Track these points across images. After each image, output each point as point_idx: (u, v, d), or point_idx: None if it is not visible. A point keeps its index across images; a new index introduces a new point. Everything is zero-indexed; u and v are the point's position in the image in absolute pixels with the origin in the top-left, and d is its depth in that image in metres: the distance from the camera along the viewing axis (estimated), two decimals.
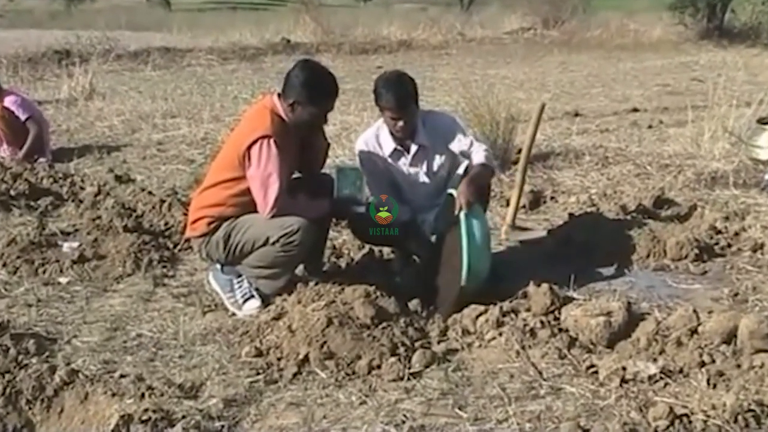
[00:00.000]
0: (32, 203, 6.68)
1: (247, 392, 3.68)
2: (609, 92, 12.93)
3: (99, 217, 6.02)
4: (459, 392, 3.66)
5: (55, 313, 4.64)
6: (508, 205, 5.88)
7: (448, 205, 4.63)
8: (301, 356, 3.89)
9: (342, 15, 23.46)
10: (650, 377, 3.63)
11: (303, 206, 4.51)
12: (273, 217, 4.39)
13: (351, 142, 7.76)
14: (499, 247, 5.55)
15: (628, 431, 3.14)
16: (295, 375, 3.81)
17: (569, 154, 8.11)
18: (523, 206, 6.24)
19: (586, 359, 3.86)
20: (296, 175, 4.75)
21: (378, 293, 4.29)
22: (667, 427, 3.17)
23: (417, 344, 4.03)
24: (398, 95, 4.68)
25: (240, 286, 4.61)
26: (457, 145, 4.83)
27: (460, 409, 3.50)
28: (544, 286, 4.35)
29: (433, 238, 5.00)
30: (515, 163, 6.82)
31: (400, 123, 4.74)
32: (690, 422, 3.18)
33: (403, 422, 3.39)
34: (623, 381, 3.63)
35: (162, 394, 3.61)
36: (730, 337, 3.84)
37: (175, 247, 5.64)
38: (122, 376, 3.80)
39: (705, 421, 3.18)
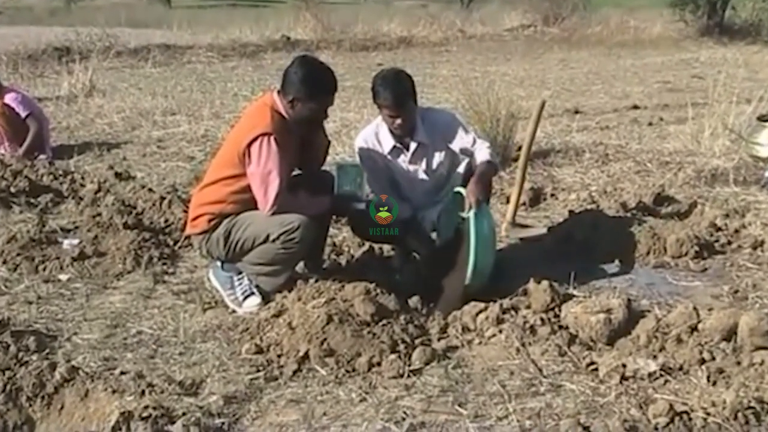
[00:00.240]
0: (32, 200, 6.69)
1: (247, 389, 3.69)
2: (609, 89, 12.93)
3: (99, 214, 6.02)
4: (459, 389, 3.66)
5: (55, 310, 4.64)
6: (508, 202, 5.89)
7: (455, 203, 4.63)
8: (301, 353, 3.90)
9: (342, 12, 23.45)
10: (650, 374, 3.63)
11: (303, 203, 4.51)
12: (273, 214, 4.39)
13: (351, 139, 7.75)
14: (499, 244, 5.54)
15: (628, 428, 3.14)
16: (295, 372, 3.82)
17: (569, 151, 8.12)
18: (524, 203, 6.25)
19: (586, 356, 3.86)
20: (296, 172, 4.74)
21: (378, 290, 4.29)
22: (667, 424, 3.17)
23: (417, 341, 4.03)
24: (396, 93, 4.68)
25: (240, 283, 4.61)
26: (459, 142, 4.83)
27: (460, 406, 3.50)
28: (544, 283, 4.35)
29: (434, 235, 5.00)
30: (515, 160, 6.82)
31: (399, 121, 4.73)
32: (690, 419, 3.18)
33: (403, 419, 3.40)
34: (623, 378, 3.63)
35: (162, 391, 3.62)
36: (730, 335, 3.84)
37: (175, 244, 5.64)
38: (122, 373, 3.80)
39: (705, 419, 3.18)
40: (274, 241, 4.39)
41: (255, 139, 4.34)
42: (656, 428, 3.16)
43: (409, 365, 3.83)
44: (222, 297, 4.67)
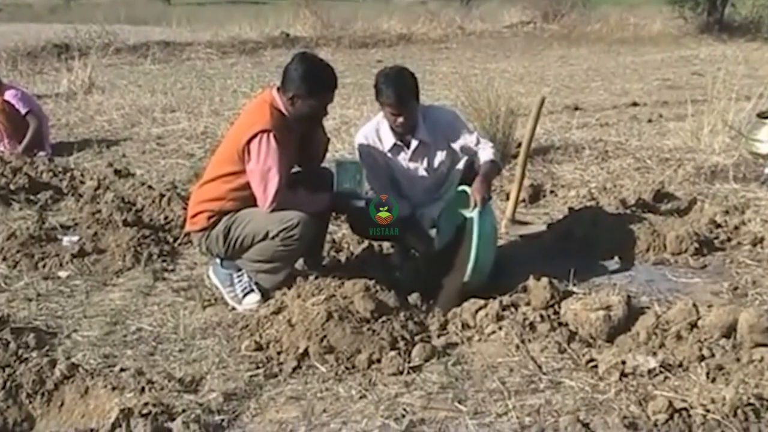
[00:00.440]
0: (32, 197, 6.69)
1: (247, 386, 3.69)
2: (609, 86, 12.93)
3: (99, 211, 6.02)
4: (459, 386, 3.66)
5: (55, 307, 4.64)
6: (507, 199, 5.89)
7: (458, 201, 4.63)
8: (300, 350, 3.90)
9: (341, 9, 23.42)
10: (650, 371, 3.63)
11: (303, 200, 4.51)
12: (273, 211, 4.39)
13: (351, 136, 7.75)
14: (498, 241, 5.54)
15: (627, 425, 3.15)
16: (294, 369, 3.82)
17: (569, 148, 8.12)
18: (523, 200, 6.25)
19: (586, 353, 3.86)
20: (296, 169, 4.74)
21: (378, 287, 4.29)
22: (667, 420, 3.17)
23: (417, 338, 4.03)
24: (398, 91, 4.67)
25: (240, 281, 4.61)
26: (462, 141, 4.83)
27: (459, 402, 3.50)
28: (544, 280, 4.35)
29: (433, 233, 5.00)
30: (515, 157, 6.82)
31: (400, 119, 4.73)
32: (689, 416, 3.18)
33: (403, 416, 3.40)
34: (623, 375, 3.63)
35: (162, 388, 3.62)
36: (730, 331, 3.84)
37: (174, 241, 5.64)
38: (122, 370, 3.81)
39: (704, 415, 3.18)
40: (273, 238, 4.39)
41: (254, 136, 4.34)
42: (656, 425, 3.16)
43: (409, 362, 3.83)
44: (222, 294, 4.67)
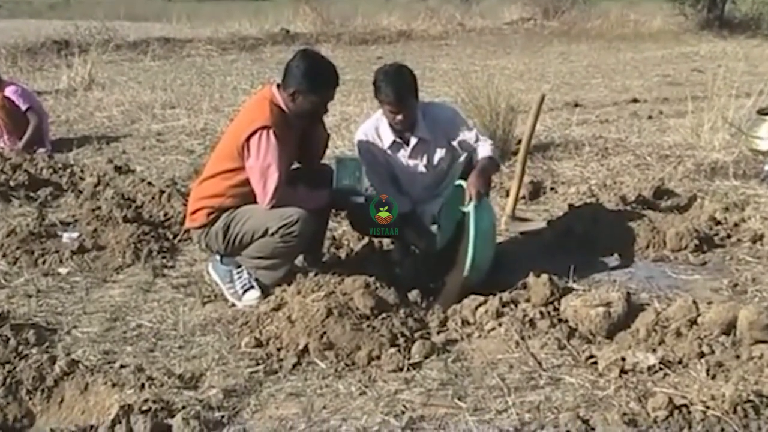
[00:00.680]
0: (32, 194, 6.69)
1: (246, 383, 3.69)
2: (609, 83, 12.92)
3: (98, 208, 6.02)
4: (458, 383, 3.66)
5: (54, 303, 4.64)
6: (507, 195, 5.89)
7: (456, 196, 4.63)
8: (300, 347, 3.90)
9: (341, 5, 23.41)
10: (649, 368, 3.63)
11: (302, 197, 4.51)
12: (272, 207, 4.39)
13: (350, 133, 7.75)
14: (498, 238, 5.54)
15: (627, 421, 3.15)
16: (294, 365, 3.82)
17: (569, 144, 8.11)
18: (523, 197, 6.25)
19: (586, 350, 3.87)
20: (295, 165, 4.74)
21: (377, 284, 4.29)
22: (666, 417, 3.17)
23: (416, 335, 4.03)
24: (397, 89, 4.67)
25: (239, 277, 4.61)
26: (461, 138, 4.83)
27: (459, 399, 3.50)
28: (544, 276, 4.35)
29: (434, 229, 5.00)
30: (515, 153, 6.82)
31: (400, 116, 4.73)
32: (689, 413, 3.18)
33: (403, 413, 3.40)
34: (622, 371, 3.63)
35: (162, 385, 3.62)
36: (730, 328, 3.84)
37: (174, 237, 5.64)
38: (122, 366, 3.81)
39: (704, 412, 3.18)
40: (273, 234, 4.39)
41: (254, 133, 4.34)
42: (655, 421, 3.16)
43: (409, 359, 3.83)
44: (221, 290, 4.67)
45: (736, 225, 5.55)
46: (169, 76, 13.96)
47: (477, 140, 4.80)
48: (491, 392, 3.56)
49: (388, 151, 4.92)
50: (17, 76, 12.72)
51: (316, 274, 4.50)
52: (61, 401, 3.55)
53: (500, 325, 4.10)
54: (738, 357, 3.66)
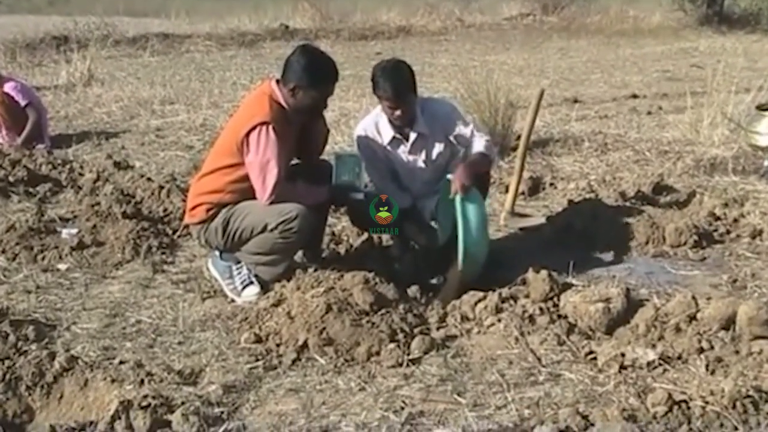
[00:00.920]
0: (31, 190, 6.68)
1: (246, 378, 3.69)
2: (608, 78, 12.90)
3: (98, 204, 6.02)
4: (458, 378, 3.66)
5: (54, 299, 4.64)
6: (507, 191, 5.88)
7: (446, 190, 4.63)
8: (300, 342, 3.90)
9: (341, 1, 23.37)
10: (649, 363, 3.63)
11: (302, 193, 4.51)
12: (272, 203, 4.39)
13: (350, 129, 7.75)
14: (498, 234, 5.55)
15: (626, 417, 3.14)
16: (294, 361, 3.82)
17: (568, 140, 8.11)
18: (522, 193, 6.24)
19: (585, 345, 3.87)
20: (295, 161, 4.74)
21: (377, 280, 4.30)
22: (666, 413, 3.17)
23: (416, 331, 4.03)
24: (396, 85, 4.66)
25: (239, 273, 4.61)
26: (457, 133, 4.82)
27: (459, 395, 3.51)
28: (543, 272, 4.35)
29: (434, 224, 5.00)
30: (514, 149, 6.81)
31: (398, 112, 4.72)
32: (688, 408, 3.18)
33: (402, 408, 3.40)
34: (622, 367, 3.63)
35: (161, 381, 3.62)
36: (729, 324, 3.84)
37: (174, 233, 5.64)
38: (121, 362, 3.81)
39: (703, 407, 3.18)
40: (272, 230, 4.39)
41: (253, 128, 4.34)
42: (655, 417, 3.16)
43: (408, 354, 3.83)
44: (221, 286, 4.67)
45: (735, 221, 5.56)
46: (168, 71, 13.95)
47: (473, 136, 4.80)
48: (491, 388, 3.56)
49: (388, 147, 4.92)
50: (16, 71, 12.70)
51: (315, 270, 4.50)
52: (61, 397, 3.55)
53: (500, 320, 4.10)
54: (737, 352, 3.66)
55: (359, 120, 5.24)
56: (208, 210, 4.57)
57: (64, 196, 6.64)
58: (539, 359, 3.80)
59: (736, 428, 3.08)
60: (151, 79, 12.86)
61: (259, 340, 4.02)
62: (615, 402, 3.37)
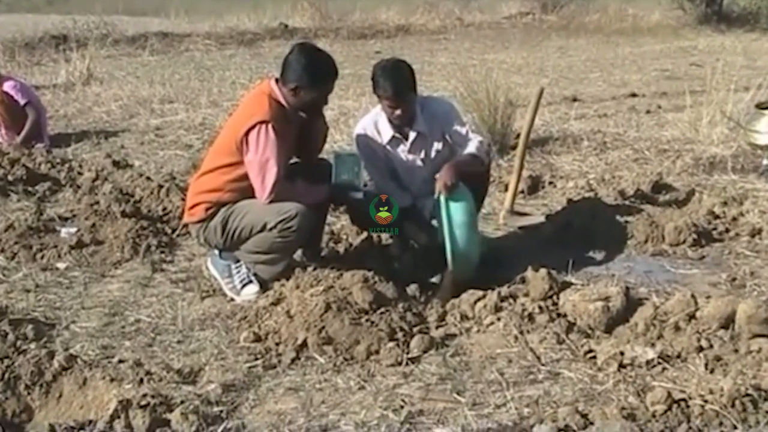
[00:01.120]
0: (30, 189, 6.68)
1: (245, 377, 3.69)
2: (607, 77, 12.90)
3: (97, 203, 6.01)
4: (457, 377, 3.66)
5: (53, 298, 4.64)
6: (506, 190, 5.88)
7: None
8: (299, 341, 3.90)
9: (340, 0, 23.37)
10: (648, 362, 3.63)
11: (301, 192, 4.51)
12: (271, 202, 4.39)
13: (349, 127, 7.75)
14: (497, 232, 5.56)
15: (626, 416, 3.14)
16: (293, 360, 3.82)
17: (567, 139, 8.10)
18: (522, 191, 6.24)
19: (584, 344, 3.87)
20: (294, 160, 4.74)
21: (376, 278, 4.29)
22: (665, 411, 3.17)
23: (415, 329, 4.03)
24: (395, 84, 4.66)
25: (238, 272, 4.61)
26: (454, 134, 4.82)
27: (458, 393, 3.51)
28: (543, 271, 4.35)
29: (434, 223, 5.01)
30: (514, 148, 6.81)
31: (398, 111, 4.72)
32: (688, 407, 3.18)
33: (402, 407, 3.40)
34: (621, 366, 3.63)
35: (160, 380, 3.62)
36: (728, 322, 3.84)
37: (173, 232, 5.64)
38: (121, 361, 3.81)
39: (702, 406, 3.18)
40: (271, 229, 4.39)
41: (253, 127, 4.34)
42: (654, 416, 3.16)
43: (408, 353, 3.83)
44: (220, 285, 4.67)
45: (734, 219, 5.55)
46: (168, 70, 13.95)
47: (467, 136, 4.80)
48: (490, 387, 3.56)
49: (387, 147, 4.92)
50: (15, 70, 12.68)
51: (314, 269, 4.50)
52: (60, 396, 3.55)
53: (499, 319, 4.10)
54: (736, 351, 3.66)
55: (358, 119, 5.24)
56: (207, 209, 4.56)
57: (63, 195, 6.64)
58: (538, 358, 3.80)
59: (735, 427, 3.08)
60: (150, 78, 12.86)
61: (258, 339, 4.02)
62: (614, 400, 3.37)
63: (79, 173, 7.13)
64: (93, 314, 4.43)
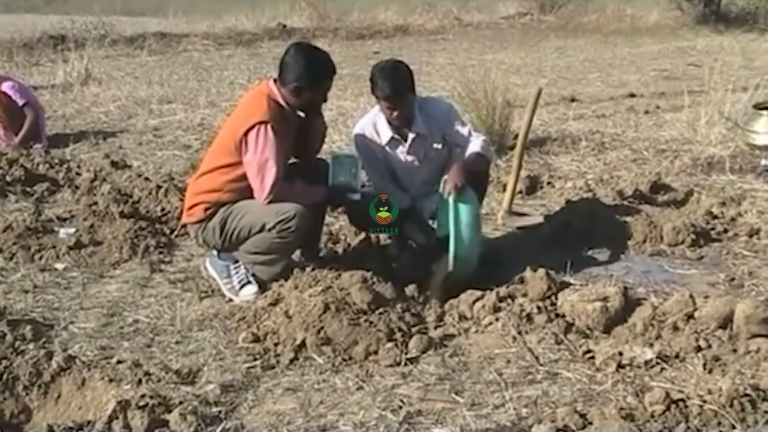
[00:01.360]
0: (28, 189, 6.67)
1: (244, 378, 3.69)
2: (605, 77, 12.89)
3: (95, 203, 6.01)
4: (456, 377, 3.66)
5: (51, 299, 4.64)
6: (504, 190, 5.88)
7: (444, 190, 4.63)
8: (298, 342, 3.90)
9: (338, 0, 23.36)
10: (646, 362, 3.64)
11: (300, 192, 4.50)
12: (270, 203, 4.39)
13: (347, 128, 7.75)
14: (495, 233, 5.56)
15: (624, 416, 3.15)
16: (292, 361, 3.82)
17: (566, 139, 8.10)
18: (520, 191, 6.24)
19: (583, 344, 3.87)
20: (292, 160, 4.74)
21: (375, 279, 4.30)
22: (663, 411, 3.17)
23: (414, 330, 4.04)
24: (394, 85, 4.66)
25: (237, 272, 4.61)
26: (454, 134, 4.82)
27: (456, 394, 3.51)
28: (541, 271, 4.35)
29: (433, 224, 5.00)
30: (512, 148, 6.81)
31: (396, 112, 4.72)
32: (686, 407, 3.19)
33: (400, 407, 3.40)
34: (620, 366, 3.63)
35: (159, 380, 3.62)
36: (726, 322, 3.85)
37: (171, 233, 5.64)
38: (119, 362, 3.81)
39: (701, 406, 3.18)
40: (270, 230, 4.39)
41: (252, 128, 4.34)
42: (652, 416, 3.16)
43: (406, 353, 3.83)
44: (219, 286, 4.67)
45: (732, 219, 5.56)
46: (166, 71, 13.95)
47: (470, 135, 4.80)
48: (488, 387, 3.56)
49: (386, 148, 4.92)
50: (13, 71, 12.69)
51: (313, 269, 4.50)
52: (58, 397, 3.55)
53: (497, 319, 4.10)
54: (735, 351, 3.66)
55: (357, 119, 5.24)
56: (205, 209, 4.56)
57: (62, 195, 6.64)
58: (537, 358, 3.80)
59: (733, 426, 3.09)
60: (148, 78, 12.85)
61: (256, 339, 4.02)
62: (613, 401, 3.37)
63: (78, 174, 7.12)
64: (91, 315, 4.43)
